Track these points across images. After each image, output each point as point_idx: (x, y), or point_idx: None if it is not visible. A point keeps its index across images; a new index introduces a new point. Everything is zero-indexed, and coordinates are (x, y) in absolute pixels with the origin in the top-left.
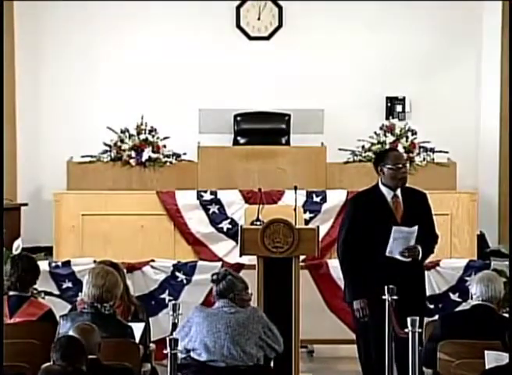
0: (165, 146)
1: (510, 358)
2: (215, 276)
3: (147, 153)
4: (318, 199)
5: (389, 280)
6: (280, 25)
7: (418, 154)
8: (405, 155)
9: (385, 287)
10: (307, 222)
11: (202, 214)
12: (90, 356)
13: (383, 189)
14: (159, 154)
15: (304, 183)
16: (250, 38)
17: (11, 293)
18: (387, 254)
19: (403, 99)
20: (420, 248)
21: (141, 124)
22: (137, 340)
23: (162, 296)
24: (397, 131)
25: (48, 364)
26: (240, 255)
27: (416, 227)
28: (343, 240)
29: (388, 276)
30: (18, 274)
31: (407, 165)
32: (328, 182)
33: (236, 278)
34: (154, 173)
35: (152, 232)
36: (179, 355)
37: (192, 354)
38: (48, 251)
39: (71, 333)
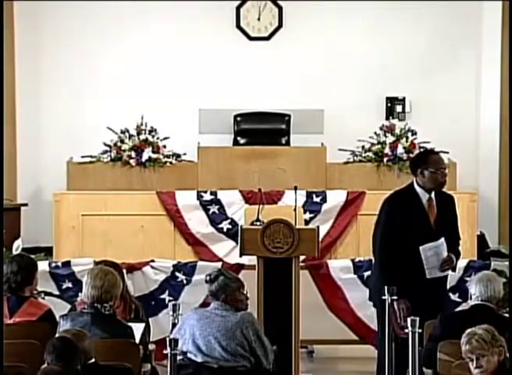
0: (165, 146)
1: (510, 358)
2: (207, 277)
3: (147, 153)
4: (318, 199)
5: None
6: (280, 25)
7: None
8: (405, 156)
9: (385, 288)
10: (307, 222)
11: (202, 214)
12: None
13: (419, 191)
14: (159, 154)
15: (304, 184)
16: (250, 38)
17: (10, 293)
18: (428, 276)
19: (403, 99)
20: (454, 257)
21: (141, 124)
22: (137, 340)
23: (162, 296)
24: (397, 131)
25: (45, 365)
26: (240, 256)
27: (443, 239)
28: (382, 239)
29: (417, 277)
30: (18, 274)
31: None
32: (328, 182)
33: (229, 278)
34: (154, 173)
35: (152, 232)
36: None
37: (189, 355)
38: (47, 252)
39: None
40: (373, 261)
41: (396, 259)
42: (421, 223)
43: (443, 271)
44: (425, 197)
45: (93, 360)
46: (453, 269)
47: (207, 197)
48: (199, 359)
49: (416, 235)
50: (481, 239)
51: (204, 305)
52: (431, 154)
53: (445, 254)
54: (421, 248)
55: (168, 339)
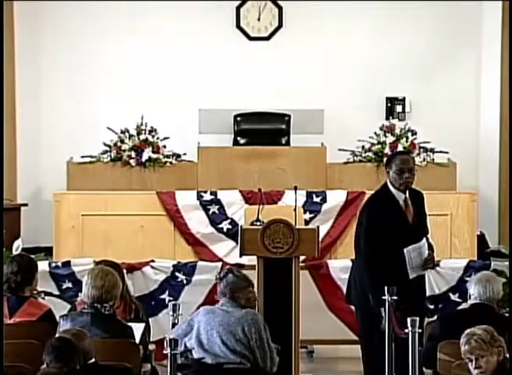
0: (165, 146)
1: (510, 358)
2: (218, 275)
3: (147, 153)
4: (318, 199)
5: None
6: (280, 25)
7: (418, 154)
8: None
9: (385, 288)
10: (307, 222)
11: (202, 214)
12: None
13: (393, 191)
14: (159, 154)
15: (304, 184)
16: (250, 38)
17: (10, 293)
18: (411, 277)
19: (403, 99)
20: (433, 255)
21: (141, 124)
22: (137, 340)
23: (162, 296)
24: (397, 131)
25: (45, 366)
26: (240, 256)
27: (425, 239)
28: (366, 243)
29: (401, 277)
30: (18, 274)
31: (414, 169)
32: (329, 182)
33: (237, 276)
34: (154, 173)
35: (152, 232)
36: (182, 348)
37: (193, 351)
38: (47, 252)
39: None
40: (353, 263)
41: (380, 261)
42: (400, 223)
43: (425, 269)
44: (401, 197)
45: (93, 360)
46: (433, 267)
47: (207, 197)
48: (199, 355)
49: (397, 236)
50: (481, 239)
51: (205, 304)
52: (396, 154)
53: (426, 253)
54: (405, 250)
55: (168, 339)
